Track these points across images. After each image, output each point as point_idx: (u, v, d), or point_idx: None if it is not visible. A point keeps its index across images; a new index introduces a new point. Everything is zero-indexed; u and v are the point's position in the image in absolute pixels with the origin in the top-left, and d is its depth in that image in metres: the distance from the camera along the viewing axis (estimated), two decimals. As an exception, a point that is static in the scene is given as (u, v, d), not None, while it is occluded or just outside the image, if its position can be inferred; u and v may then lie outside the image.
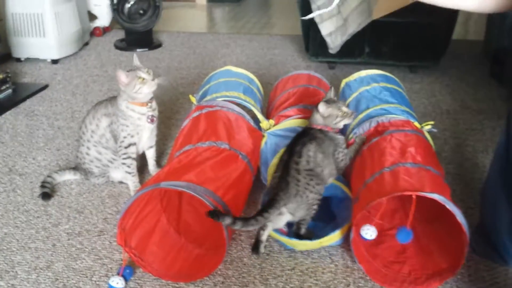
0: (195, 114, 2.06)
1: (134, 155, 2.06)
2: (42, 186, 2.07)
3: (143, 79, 1.92)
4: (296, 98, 2.26)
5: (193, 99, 2.25)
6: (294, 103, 2.21)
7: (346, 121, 1.80)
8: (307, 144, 1.71)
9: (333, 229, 1.70)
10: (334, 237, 1.70)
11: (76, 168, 2.17)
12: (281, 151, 1.86)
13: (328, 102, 1.79)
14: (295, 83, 2.41)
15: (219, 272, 1.64)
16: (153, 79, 1.95)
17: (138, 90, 1.93)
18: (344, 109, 1.79)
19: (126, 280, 1.60)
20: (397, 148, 1.75)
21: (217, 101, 2.11)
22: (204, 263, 1.68)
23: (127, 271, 1.62)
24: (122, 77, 1.93)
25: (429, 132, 1.97)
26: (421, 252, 1.70)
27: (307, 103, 2.17)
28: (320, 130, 1.78)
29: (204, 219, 1.80)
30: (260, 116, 2.12)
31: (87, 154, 2.07)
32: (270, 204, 1.62)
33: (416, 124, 1.93)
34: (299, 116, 2.08)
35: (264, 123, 2.10)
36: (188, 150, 1.83)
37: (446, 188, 1.64)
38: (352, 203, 1.71)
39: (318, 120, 1.79)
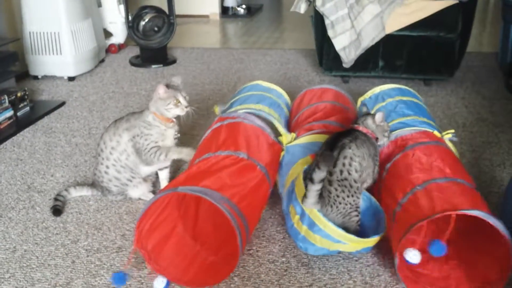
0: (217, 125, 2.08)
1: (158, 147, 2.04)
2: (55, 199, 2.10)
3: (179, 102, 2.00)
4: (324, 113, 2.26)
5: (216, 110, 2.27)
6: (321, 118, 2.21)
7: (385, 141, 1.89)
8: (345, 148, 1.70)
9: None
10: (371, 242, 1.66)
11: (93, 184, 2.19)
12: (298, 162, 1.86)
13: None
14: (321, 98, 2.41)
15: (237, 289, 1.64)
16: (187, 106, 2.02)
17: (170, 109, 2.00)
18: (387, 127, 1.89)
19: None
20: (423, 163, 1.75)
21: (238, 113, 2.13)
22: (217, 270, 1.71)
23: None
24: (161, 90, 1.99)
25: (450, 140, 1.96)
26: (464, 265, 1.68)
27: (335, 120, 2.18)
28: (365, 134, 1.82)
29: (220, 227, 1.82)
30: (281, 129, 2.12)
31: (106, 173, 2.08)
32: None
33: (436, 133, 1.93)
34: (322, 130, 2.08)
35: (284, 137, 2.10)
36: (207, 158, 1.85)
37: (481, 200, 1.63)
38: (385, 219, 1.69)
39: (369, 126, 1.85)
